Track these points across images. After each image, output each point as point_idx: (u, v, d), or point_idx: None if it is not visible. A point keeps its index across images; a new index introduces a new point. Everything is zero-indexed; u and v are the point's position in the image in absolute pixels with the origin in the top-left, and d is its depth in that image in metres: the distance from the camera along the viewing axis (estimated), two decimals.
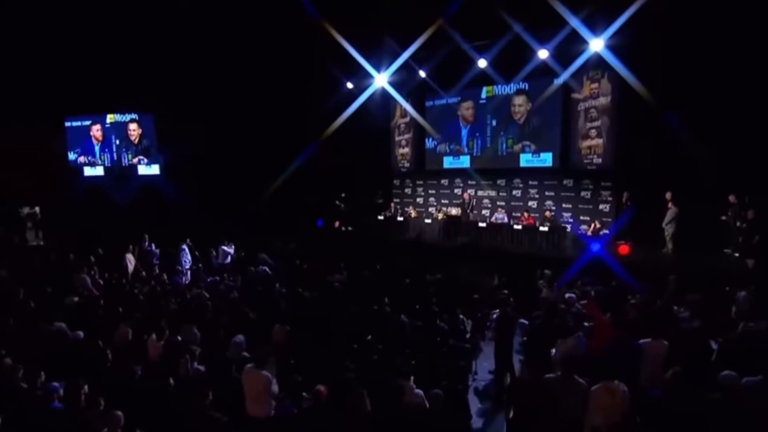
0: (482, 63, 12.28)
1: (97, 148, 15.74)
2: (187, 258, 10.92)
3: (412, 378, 5.01)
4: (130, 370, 4.72)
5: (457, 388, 4.86)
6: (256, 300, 8.08)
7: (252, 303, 7.85)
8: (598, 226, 10.90)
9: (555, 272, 9.38)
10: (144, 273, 9.57)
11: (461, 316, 7.12)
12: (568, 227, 12.02)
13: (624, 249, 9.89)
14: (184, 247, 11.08)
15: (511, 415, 4.51)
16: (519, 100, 13.85)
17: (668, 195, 10.70)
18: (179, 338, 5.65)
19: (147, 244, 11.08)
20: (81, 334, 5.79)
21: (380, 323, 7.04)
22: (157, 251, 11.10)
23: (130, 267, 10.13)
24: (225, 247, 11.91)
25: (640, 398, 4.13)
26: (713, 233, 10.34)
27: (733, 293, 6.83)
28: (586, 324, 6.07)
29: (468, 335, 7.12)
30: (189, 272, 10.69)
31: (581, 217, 12.95)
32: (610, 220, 11.94)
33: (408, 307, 7.62)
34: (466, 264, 10.61)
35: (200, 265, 10.78)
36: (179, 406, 4.21)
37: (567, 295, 7.48)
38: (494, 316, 6.74)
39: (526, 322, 6.68)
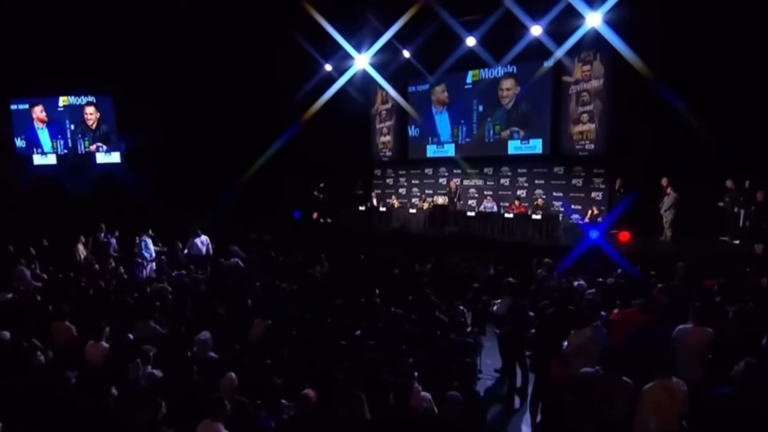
0: (471, 41, 11.55)
1: (42, 133, 14.16)
2: (149, 250, 9.78)
3: (415, 375, 4.17)
4: (64, 376, 3.71)
5: (472, 390, 4.04)
6: (227, 294, 7.09)
7: (222, 297, 6.86)
8: (595, 212, 10.32)
9: (542, 259, 8.79)
10: (97, 266, 8.40)
11: (461, 308, 6.32)
12: (566, 214, 11.45)
13: (624, 236, 9.32)
14: (146, 238, 9.94)
15: (539, 418, 3.71)
16: (507, 83, 13.22)
17: (664, 181, 10.25)
18: (131, 337, 4.63)
19: (103, 234, 9.88)
20: (7, 334, 4.71)
21: (370, 317, 6.18)
22: (114, 242, 9.91)
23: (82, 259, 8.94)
24: (198, 239, 10.77)
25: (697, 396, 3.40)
26: (710, 220, 9.95)
27: (755, 279, 6.26)
28: (603, 313, 5.37)
29: (469, 329, 6.33)
30: (152, 265, 9.58)
31: (572, 206, 12.41)
32: (603, 208, 11.42)
33: (400, 299, 6.81)
34: (457, 253, 9.87)
35: (163, 257, 9.65)
36: (123, 420, 3.24)
37: (576, 283, 6.79)
38: (495, 307, 5.96)
39: (532, 313, 5.94)
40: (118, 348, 4.37)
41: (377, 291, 6.81)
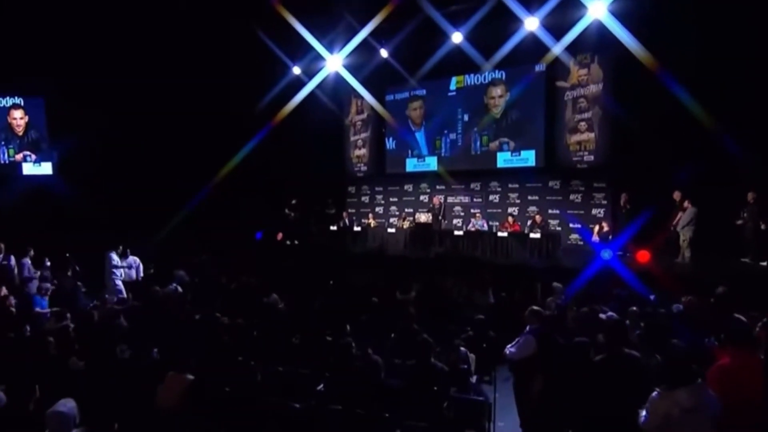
0: (457, 37, 10.28)
1: None
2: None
3: None
4: None
5: None
6: (141, 334, 5.23)
7: (133, 338, 5.02)
8: (605, 228, 8.90)
9: (549, 284, 7.37)
10: None
11: (463, 349, 4.64)
12: (575, 231, 10.08)
13: (643, 256, 7.89)
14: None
15: None
16: (495, 90, 11.99)
17: (677, 195, 9.03)
18: None
19: (1, 257, 7.86)
20: None
21: (339, 364, 4.43)
22: (29, 263, 7.93)
23: None
24: (124, 262, 8.88)
25: None
26: (728, 238, 8.74)
27: None
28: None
29: (473, 378, 4.65)
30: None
31: (571, 225, 11.06)
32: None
33: (379, 337, 5.13)
34: (446, 277, 8.27)
35: (79, 283, 7.69)
36: None
37: (605, 315, 5.22)
38: (512, 349, 4.33)
39: None
40: None
41: (348, 327, 5.07)
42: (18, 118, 12.45)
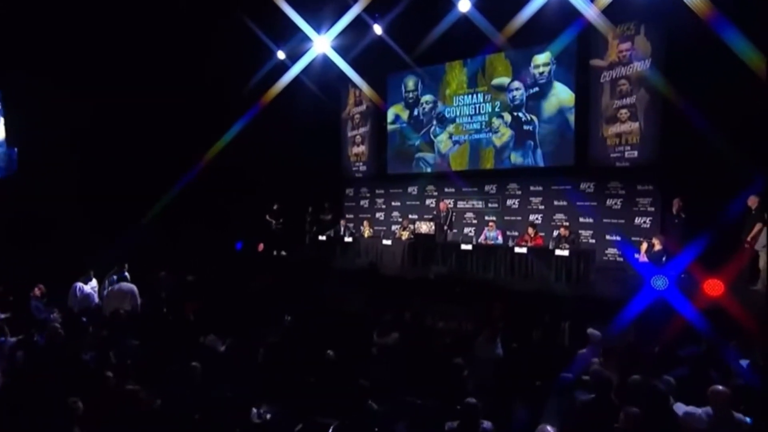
0: (464, 5, 8.34)
1: None
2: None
3: None
4: None
5: None
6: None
7: None
8: (657, 246, 6.79)
9: (579, 322, 5.51)
10: None
11: None
12: (619, 250, 8.07)
13: (714, 287, 5.76)
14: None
15: None
16: (512, 73, 10.00)
17: (752, 201, 6.90)
18: None
19: None
20: None
21: None
22: None
23: None
24: (89, 284, 7.50)
25: None
26: None
27: None
28: None
29: None
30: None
31: (608, 237, 9.01)
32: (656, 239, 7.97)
33: (324, 415, 3.35)
34: (446, 307, 6.41)
35: None
36: None
37: (684, 409, 3.23)
38: None
39: None
40: None
41: (266, 414, 3.26)
42: None
